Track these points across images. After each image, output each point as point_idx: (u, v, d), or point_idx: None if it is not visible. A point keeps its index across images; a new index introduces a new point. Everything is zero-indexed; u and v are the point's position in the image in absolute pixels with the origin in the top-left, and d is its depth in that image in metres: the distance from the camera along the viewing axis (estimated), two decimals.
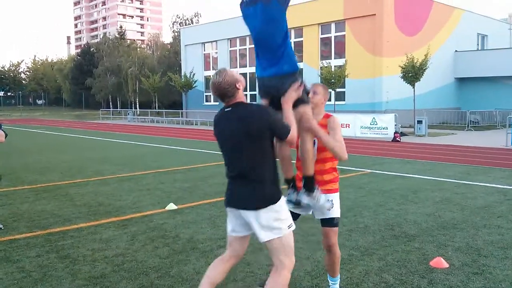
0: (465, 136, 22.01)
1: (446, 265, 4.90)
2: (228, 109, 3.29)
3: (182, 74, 41.28)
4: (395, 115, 21.33)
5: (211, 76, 3.32)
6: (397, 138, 20.00)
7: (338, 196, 3.97)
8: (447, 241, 5.78)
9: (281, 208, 3.30)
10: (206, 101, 41.85)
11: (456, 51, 33.86)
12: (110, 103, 69.66)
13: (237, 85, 3.23)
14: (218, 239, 5.90)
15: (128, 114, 45.20)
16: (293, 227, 3.38)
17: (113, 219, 6.97)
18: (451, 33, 33.33)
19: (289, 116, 3.37)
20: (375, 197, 8.39)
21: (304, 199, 3.67)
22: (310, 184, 3.68)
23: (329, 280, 4.23)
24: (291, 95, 3.44)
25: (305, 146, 3.63)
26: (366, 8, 28.96)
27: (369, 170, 11.51)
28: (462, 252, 5.34)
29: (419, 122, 22.53)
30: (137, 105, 63.13)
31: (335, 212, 3.92)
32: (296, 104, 3.49)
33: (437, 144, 18.64)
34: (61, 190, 9.32)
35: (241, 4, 3.62)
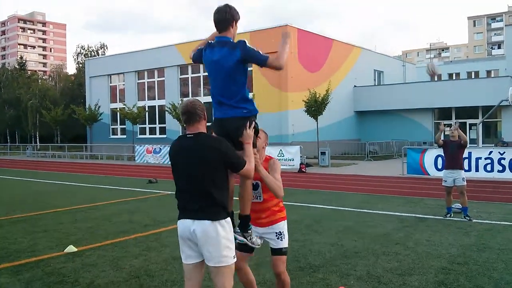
0: (365, 166, 23.22)
1: None
2: (190, 135, 3.56)
3: (87, 106, 39.84)
4: (300, 147, 22.06)
5: (184, 100, 3.58)
6: (302, 169, 20.63)
7: (286, 223, 4.33)
8: (349, 270, 5.98)
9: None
10: (113, 134, 40.62)
11: (355, 86, 35.97)
12: (8, 137, 65.39)
13: (204, 114, 3.59)
14: (121, 282, 5.64)
15: (27, 149, 42.61)
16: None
17: (5, 264, 6.43)
18: (350, 70, 35.43)
19: (250, 153, 3.69)
20: None
21: (238, 237, 3.85)
22: (245, 223, 3.91)
23: None
24: (249, 134, 3.76)
25: (246, 187, 3.88)
26: (270, 45, 29.80)
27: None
28: (363, 281, 5.54)
29: (323, 153, 23.46)
30: (37, 139, 59.78)
31: (284, 243, 4.26)
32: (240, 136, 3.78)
33: (339, 174, 19.46)
34: None
35: (205, 48, 3.96)
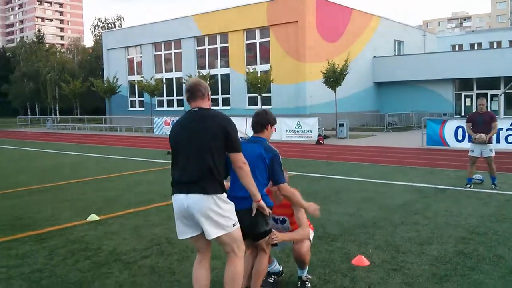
0: (384, 138, 23.05)
1: (367, 263, 5.09)
2: (194, 109, 3.66)
3: (105, 79, 40.04)
4: (318, 118, 21.94)
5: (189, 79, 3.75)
6: (320, 141, 20.57)
7: (312, 232, 4.66)
8: (368, 239, 6.01)
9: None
10: (131, 106, 40.87)
11: (374, 56, 35.40)
12: (28, 110, 66.29)
13: (208, 93, 3.74)
14: (143, 249, 5.76)
15: (48, 121, 43.19)
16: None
17: (30, 233, 6.60)
18: (369, 40, 34.82)
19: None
20: None
21: None
22: None
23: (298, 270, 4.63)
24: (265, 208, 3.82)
25: (262, 266, 4.06)
26: (289, 15, 29.60)
27: (294, 173, 11.73)
28: (382, 250, 5.57)
29: (341, 125, 23.32)
30: (57, 112, 60.52)
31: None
32: (259, 237, 3.98)
33: (358, 145, 19.38)
34: None
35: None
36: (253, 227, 3.92)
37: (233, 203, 3.66)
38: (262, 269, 4.09)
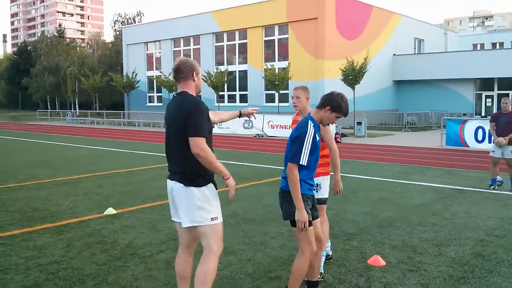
0: (402, 137, 22.82)
1: (383, 263, 5.04)
2: (176, 94, 3.61)
3: (124, 74, 40.35)
4: None
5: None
6: (337, 139, 20.46)
7: (325, 178, 4.82)
8: (384, 239, 5.95)
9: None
10: (149, 102, 41.12)
11: (394, 54, 35.04)
12: (48, 103, 67.12)
13: (194, 73, 3.56)
14: (159, 244, 5.79)
15: (67, 115, 43.68)
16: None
17: (48, 225, 6.69)
18: (389, 37, 34.46)
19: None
20: None
21: None
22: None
23: None
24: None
25: (295, 266, 3.91)
26: (308, 12, 29.45)
27: None
28: (399, 250, 5.51)
29: (359, 123, 23.16)
30: (77, 106, 61.22)
31: (319, 194, 4.62)
32: (291, 224, 3.89)
33: (375, 144, 19.22)
34: None
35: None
36: (282, 211, 3.96)
37: (217, 195, 3.54)
38: (295, 270, 3.85)
